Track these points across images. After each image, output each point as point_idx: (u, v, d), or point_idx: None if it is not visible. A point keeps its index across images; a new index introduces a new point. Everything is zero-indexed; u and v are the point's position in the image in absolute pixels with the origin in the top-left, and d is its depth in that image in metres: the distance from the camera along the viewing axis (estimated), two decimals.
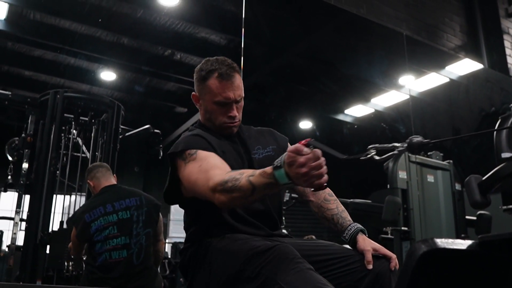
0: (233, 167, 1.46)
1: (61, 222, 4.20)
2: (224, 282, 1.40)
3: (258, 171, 1.28)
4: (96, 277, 2.78)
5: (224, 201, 1.35)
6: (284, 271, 1.25)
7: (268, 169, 1.25)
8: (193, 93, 1.71)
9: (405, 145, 1.65)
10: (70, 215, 3.42)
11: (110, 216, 2.86)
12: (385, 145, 1.53)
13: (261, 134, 1.78)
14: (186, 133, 1.67)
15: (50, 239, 3.98)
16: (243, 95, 1.66)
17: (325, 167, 1.18)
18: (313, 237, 3.95)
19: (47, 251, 4.10)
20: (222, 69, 1.60)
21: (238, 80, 1.64)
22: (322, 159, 1.18)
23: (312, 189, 1.24)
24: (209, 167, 1.43)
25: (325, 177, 1.19)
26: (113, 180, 3.12)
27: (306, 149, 1.18)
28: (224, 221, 1.54)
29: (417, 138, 1.69)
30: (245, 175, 1.30)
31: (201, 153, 1.50)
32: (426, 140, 1.68)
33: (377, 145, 1.47)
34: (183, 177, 1.52)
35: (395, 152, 1.66)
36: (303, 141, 1.20)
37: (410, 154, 4.67)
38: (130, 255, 2.82)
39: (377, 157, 1.54)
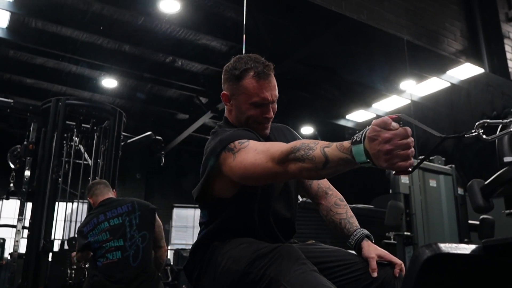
0: None
1: (62, 242, 4.21)
2: (228, 287, 1.39)
3: (335, 143, 1.16)
4: (97, 280, 2.87)
5: (294, 172, 1.21)
6: (289, 272, 1.23)
7: (346, 142, 1.11)
8: (223, 92, 1.61)
9: None
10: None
11: (102, 225, 2.98)
12: (499, 120, 1.22)
13: (282, 133, 1.71)
14: (222, 131, 1.54)
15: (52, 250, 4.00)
16: (278, 95, 1.57)
17: (412, 149, 1.03)
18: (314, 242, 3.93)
19: (50, 259, 4.11)
20: (258, 68, 1.51)
21: (274, 80, 1.55)
22: (411, 139, 1.03)
23: (394, 172, 1.07)
24: (270, 146, 1.32)
25: (411, 160, 1.03)
26: (110, 195, 3.22)
27: (394, 124, 1.03)
28: (249, 224, 1.49)
29: None
30: (319, 145, 1.17)
31: (254, 142, 1.39)
32: None
33: (487, 120, 1.18)
34: (232, 167, 1.37)
35: None
36: (393, 115, 1.05)
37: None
38: (125, 257, 2.89)
39: (486, 136, 1.22)
